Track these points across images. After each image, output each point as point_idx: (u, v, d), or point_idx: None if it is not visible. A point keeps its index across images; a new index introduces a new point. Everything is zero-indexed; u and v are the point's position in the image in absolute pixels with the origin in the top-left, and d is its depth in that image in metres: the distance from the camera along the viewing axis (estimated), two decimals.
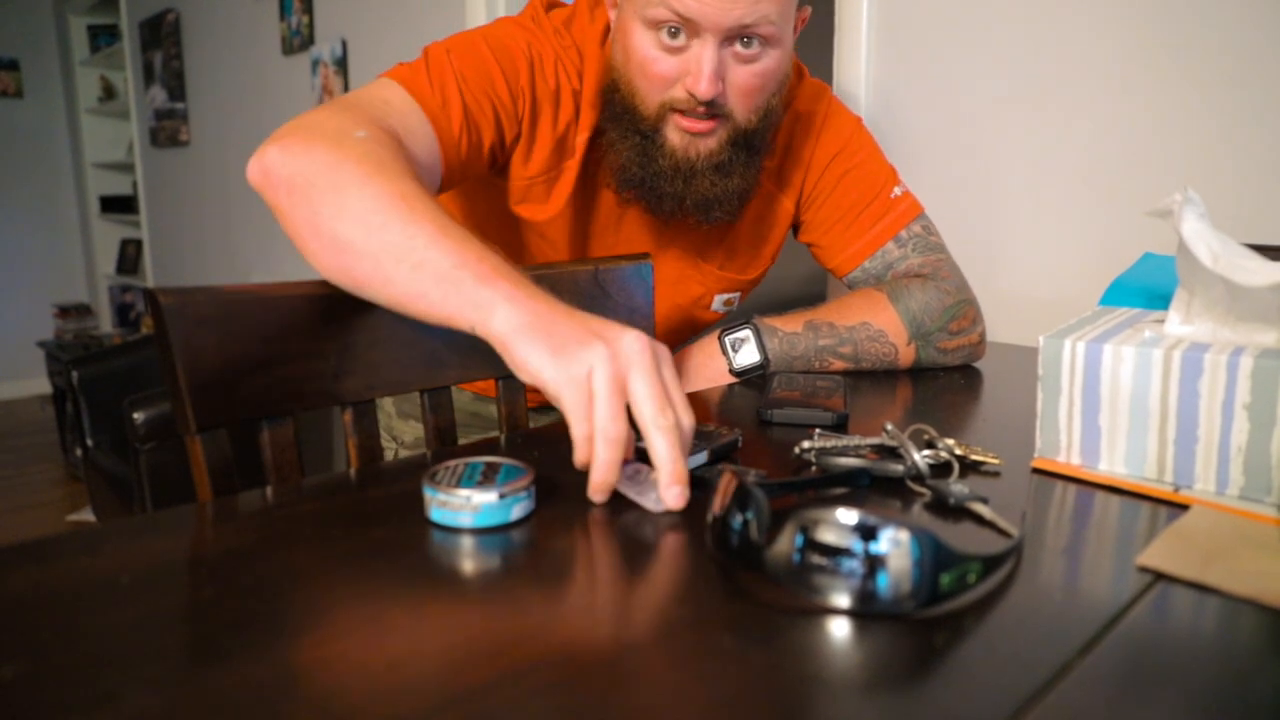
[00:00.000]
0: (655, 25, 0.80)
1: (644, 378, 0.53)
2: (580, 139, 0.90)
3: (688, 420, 0.54)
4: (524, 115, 0.87)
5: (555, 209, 0.92)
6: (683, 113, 0.83)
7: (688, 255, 1.00)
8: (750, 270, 1.04)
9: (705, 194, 0.87)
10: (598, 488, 0.53)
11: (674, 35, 0.80)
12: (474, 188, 0.96)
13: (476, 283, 0.57)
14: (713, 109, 0.83)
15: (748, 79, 0.82)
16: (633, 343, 0.54)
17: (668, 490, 0.52)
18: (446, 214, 0.62)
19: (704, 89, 0.80)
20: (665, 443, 0.52)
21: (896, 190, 0.98)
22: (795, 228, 1.03)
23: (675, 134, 0.85)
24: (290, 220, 0.65)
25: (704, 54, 0.79)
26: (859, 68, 1.46)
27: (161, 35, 3.73)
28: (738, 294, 1.06)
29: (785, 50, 0.84)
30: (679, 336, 1.05)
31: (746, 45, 0.81)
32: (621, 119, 0.86)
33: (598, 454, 0.52)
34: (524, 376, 0.55)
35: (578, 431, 0.53)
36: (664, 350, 0.56)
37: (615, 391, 0.52)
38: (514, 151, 0.89)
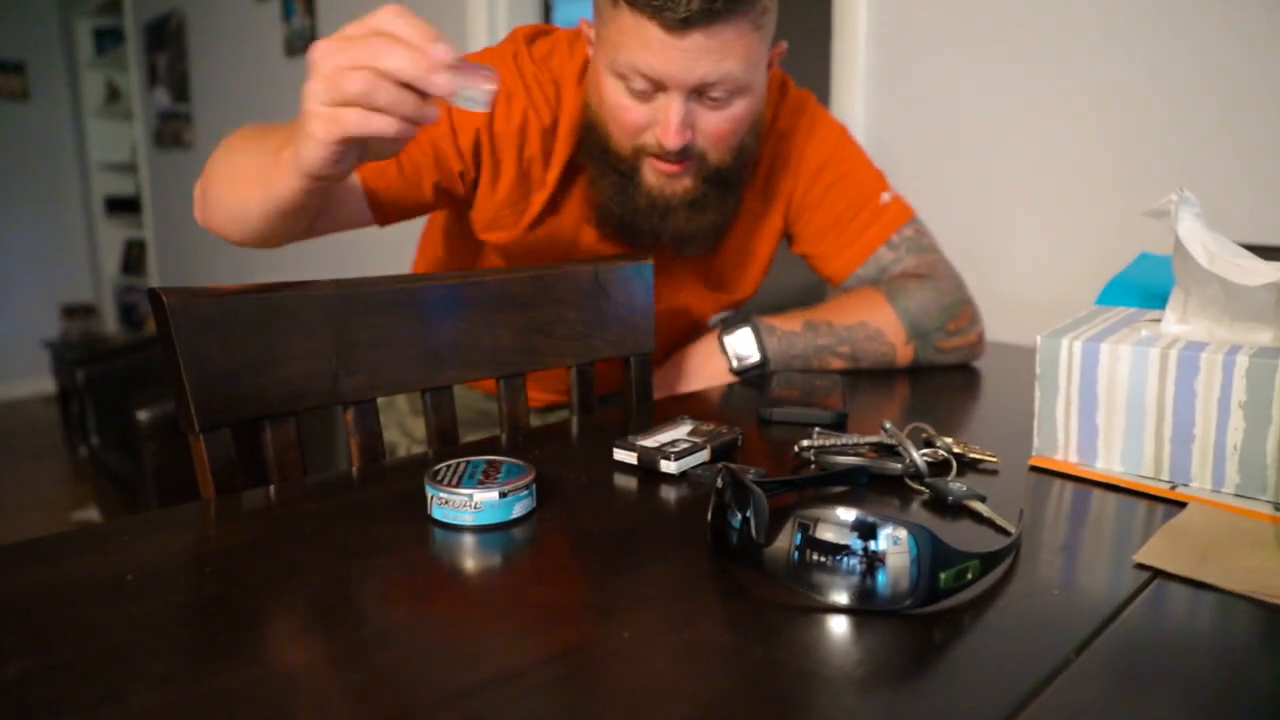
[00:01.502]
0: (623, 78, 0.81)
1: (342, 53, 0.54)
2: (551, 175, 0.91)
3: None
4: (484, 159, 0.88)
5: (518, 233, 0.93)
6: (655, 156, 0.84)
7: (679, 282, 1.00)
8: (741, 290, 1.04)
9: (680, 230, 0.88)
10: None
11: (641, 88, 0.81)
12: (449, 219, 1.01)
13: (282, 151, 0.66)
14: (684, 153, 0.83)
15: (718, 125, 0.82)
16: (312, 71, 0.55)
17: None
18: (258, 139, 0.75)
19: (671, 141, 0.80)
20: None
21: (885, 196, 0.98)
22: (788, 240, 1.04)
23: (651, 173, 0.85)
24: (203, 206, 0.82)
25: (671, 107, 0.79)
26: (856, 70, 1.46)
27: (165, 37, 3.74)
28: (732, 310, 1.06)
29: (756, 94, 0.84)
30: (681, 343, 1.06)
31: (714, 93, 0.81)
32: (600, 158, 0.87)
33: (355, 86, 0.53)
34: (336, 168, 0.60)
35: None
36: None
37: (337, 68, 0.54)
38: (477, 188, 0.90)
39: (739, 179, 0.89)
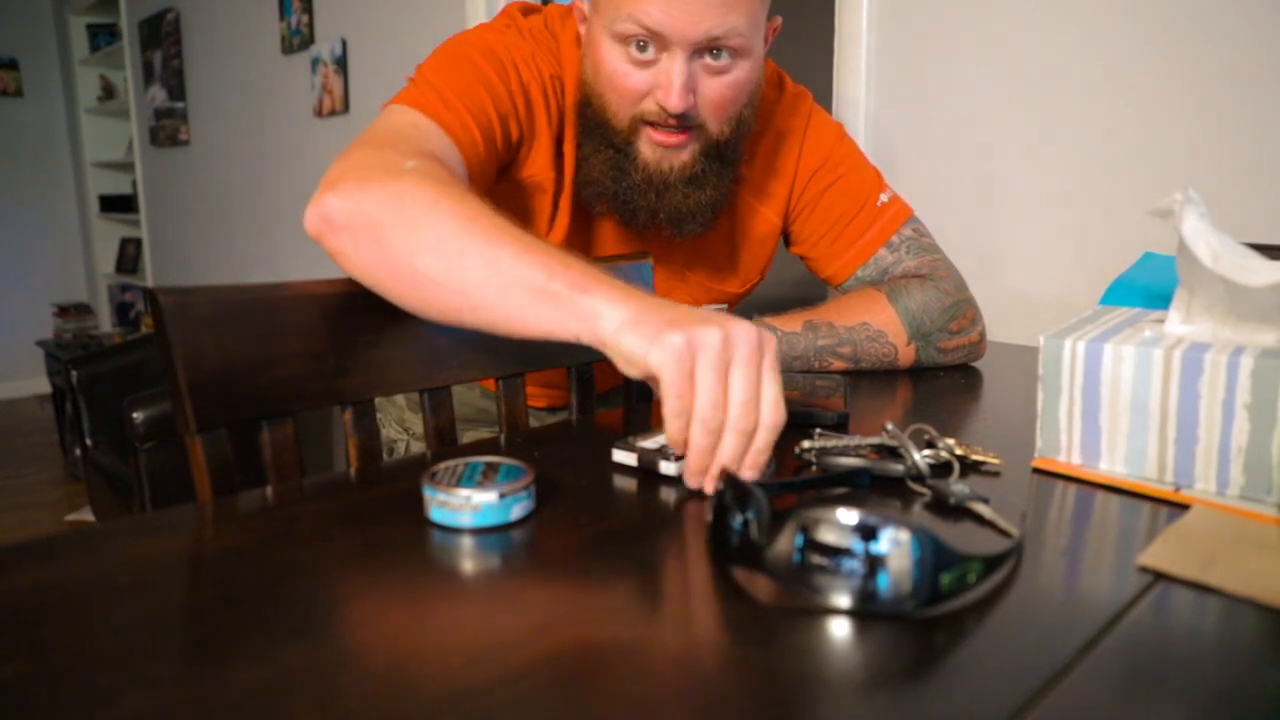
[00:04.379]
0: (623, 39, 0.80)
1: (743, 372, 0.53)
2: (568, 149, 0.90)
3: (773, 417, 0.54)
4: (523, 116, 0.86)
5: (547, 227, 0.92)
6: (654, 125, 0.83)
7: (673, 268, 1.00)
8: (736, 284, 1.04)
9: (678, 207, 0.87)
10: (692, 472, 0.55)
11: (643, 49, 0.80)
12: None
13: (573, 292, 0.56)
14: (684, 121, 0.82)
15: (719, 91, 0.82)
16: (742, 331, 0.53)
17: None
18: (518, 225, 0.62)
19: (674, 102, 0.79)
20: (730, 444, 0.53)
21: (883, 196, 0.98)
22: (786, 240, 1.04)
23: (648, 147, 0.84)
24: (360, 263, 0.64)
25: (673, 67, 0.79)
26: (859, 69, 1.46)
27: (161, 34, 3.73)
28: (725, 305, 1.06)
29: (756, 60, 0.84)
30: None
31: (716, 57, 0.80)
32: (594, 132, 0.86)
33: (693, 439, 0.53)
34: (633, 371, 0.55)
35: (671, 407, 0.53)
36: (770, 340, 0.55)
37: (719, 376, 0.53)
38: (518, 153, 0.88)
39: (736, 154, 0.89)
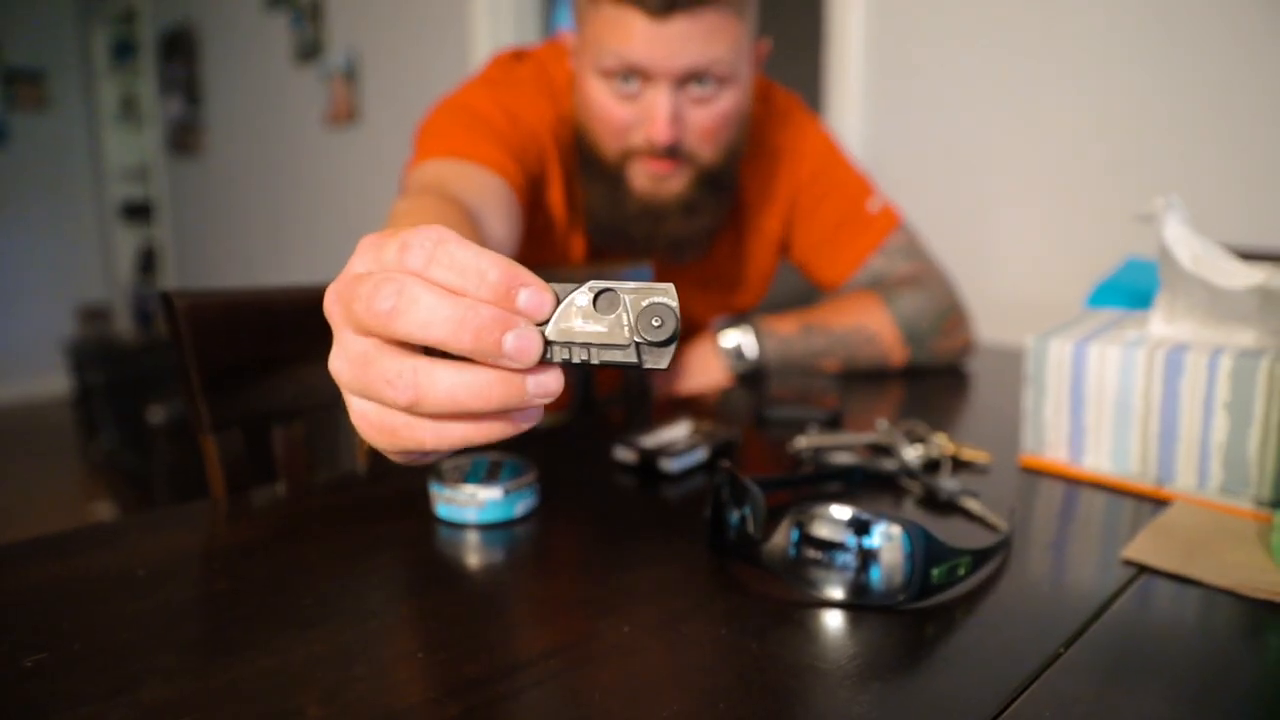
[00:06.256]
0: (608, 75, 0.79)
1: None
2: (577, 187, 0.90)
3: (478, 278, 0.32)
4: (536, 158, 0.86)
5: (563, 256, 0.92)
6: (645, 155, 0.83)
7: (685, 290, 1.00)
8: (747, 298, 1.04)
9: (675, 235, 0.87)
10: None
11: (627, 82, 0.79)
12: None
13: None
14: (674, 152, 0.82)
15: (706, 121, 0.81)
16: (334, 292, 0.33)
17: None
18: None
19: (660, 136, 0.79)
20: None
21: (874, 204, 0.99)
22: (786, 249, 1.05)
23: (640, 177, 0.84)
24: None
25: (658, 100, 0.78)
26: (850, 77, 1.48)
27: (180, 47, 3.78)
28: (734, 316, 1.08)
29: (743, 86, 0.83)
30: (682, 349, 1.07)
31: (702, 85, 0.80)
32: (589, 166, 0.86)
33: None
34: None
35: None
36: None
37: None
38: (538, 194, 0.88)
39: (731, 180, 0.89)
